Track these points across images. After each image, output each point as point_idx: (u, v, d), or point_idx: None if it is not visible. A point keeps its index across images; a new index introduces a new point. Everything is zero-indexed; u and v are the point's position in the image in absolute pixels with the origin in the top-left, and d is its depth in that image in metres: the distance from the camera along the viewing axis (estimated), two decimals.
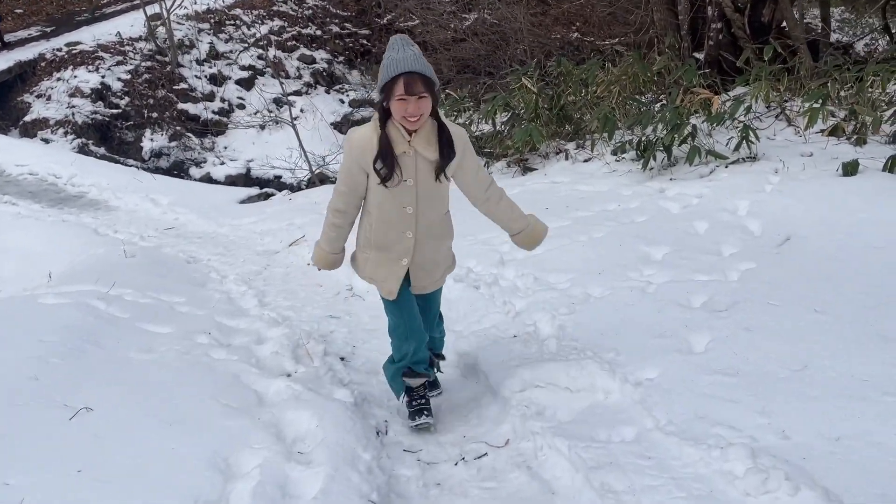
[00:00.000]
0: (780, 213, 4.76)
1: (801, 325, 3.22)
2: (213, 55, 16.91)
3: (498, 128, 7.16)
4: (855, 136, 5.78)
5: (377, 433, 2.96)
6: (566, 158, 6.64)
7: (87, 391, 2.99)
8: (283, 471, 2.41)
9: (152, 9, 16.48)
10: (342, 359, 3.82)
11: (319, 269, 3.15)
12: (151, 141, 14.91)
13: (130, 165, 13.66)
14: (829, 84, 5.75)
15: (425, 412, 3.00)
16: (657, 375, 2.94)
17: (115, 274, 5.19)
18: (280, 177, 13.47)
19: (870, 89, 6.02)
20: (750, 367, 2.91)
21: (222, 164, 14.75)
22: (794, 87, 6.67)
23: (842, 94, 6.13)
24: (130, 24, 16.78)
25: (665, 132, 5.86)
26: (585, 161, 6.53)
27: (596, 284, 4.01)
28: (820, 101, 5.61)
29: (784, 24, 7.02)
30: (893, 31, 8.32)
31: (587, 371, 3.03)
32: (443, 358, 3.36)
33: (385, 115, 2.71)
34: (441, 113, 2.83)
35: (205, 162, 14.95)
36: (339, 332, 4.29)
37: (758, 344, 3.09)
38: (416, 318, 2.97)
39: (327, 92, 17.46)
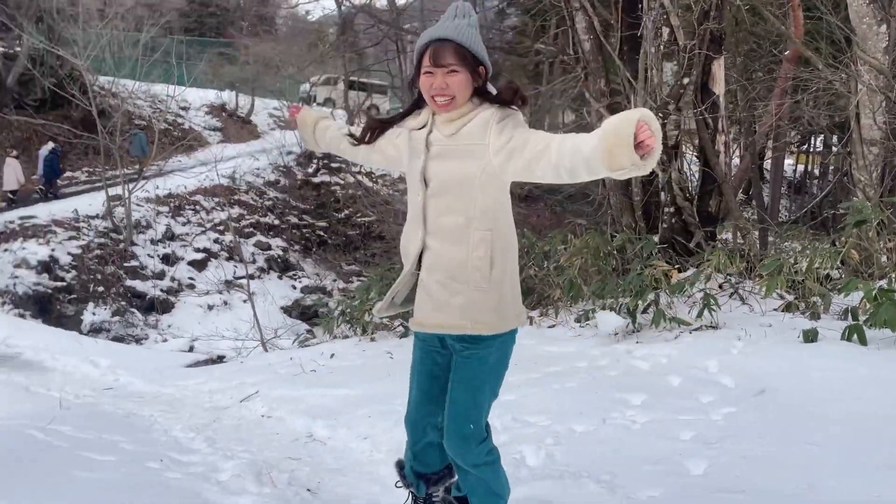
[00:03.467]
0: (751, 370, 4.77)
1: (797, 455, 3.12)
2: (169, 236, 17.11)
3: None
4: (809, 312, 6.00)
5: None
6: (531, 324, 6.68)
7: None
8: None
9: (115, 190, 16.85)
10: (309, 490, 3.47)
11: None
12: (93, 315, 14.55)
13: None
14: (781, 259, 6.07)
15: None
16: (660, 494, 2.75)
17: (51, 417, 4.78)
18: (223, 357, 13.07)
19: (817, 269, 6.36)
20: (754, 487, 2.76)
21: (164, 341, 14.34)
22: (746, 269, 7.01)
23: (792, 272, 6.46)
24: (89, 203, 17.04)
25: (629, 299, 6.00)
26: (550, 327, 6.58)
27: (578, 423, 3.86)
28: (775, 271, 5.89)
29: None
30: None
31: (586, 490, 2.82)
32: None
33: (416, 103, 2.28)
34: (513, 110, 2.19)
35: (146, 339, 14.54)
36: (301, 471, 3.93)
37: (757, 469, 2.96)
38: (418, 388, 2.36)
39: (280, 278, 17.62)
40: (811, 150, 23.27)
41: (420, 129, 2.25)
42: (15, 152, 17.70)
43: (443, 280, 2.18)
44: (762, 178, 20.58)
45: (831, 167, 19.89)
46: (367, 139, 2.42)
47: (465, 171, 2.16)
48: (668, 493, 2.75)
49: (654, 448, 3.32)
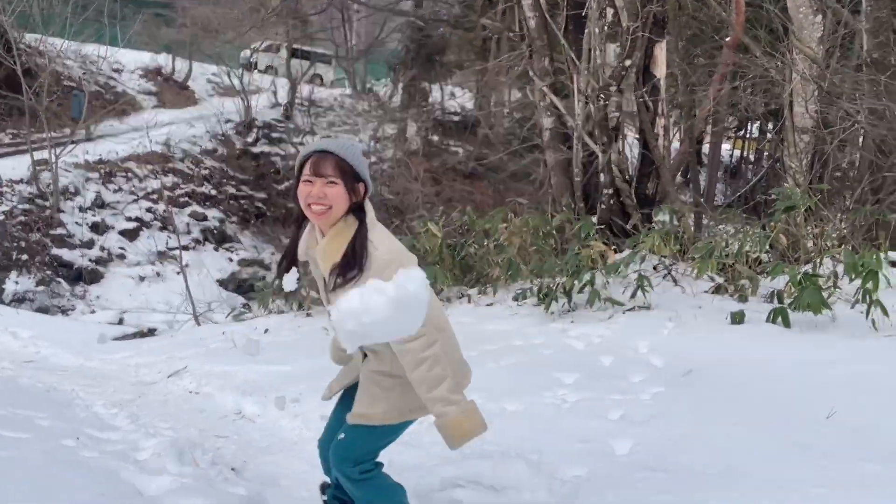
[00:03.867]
0: (680, 351, 4.86)
1: (719, 435, 3.19)
2: (99, 204, 16.47)
3: None
4: (737, 294, 6.15)
5: None
6: (469, 302, 6.68)
7: None
8: None
9: (41, 154, 16.10)
10: (233, 469, 3.39)
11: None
12: (16, 284, 13.93)
13: None
14: (713, 242, 6.21)
15: None
16: (585, 473, 2.78)
17: None
18: (155, 329, 12.71)
19: (747, 252, 6.53)
20: (677, 467, 2.81)
21: (93, 312, 13.85)
22: (679, 252, 7.15)
23: (723, 255, 6.61)
24: (13, 167, 16.24)
25: (565, 279, 6.04)
26: (488, 305, 6.58)
27: (509, 401, 3.87)
28: (707, 254, 6.01)
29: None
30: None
31: (513, 469, 2.82)
32: None
33: (301, 215, 2.26)
34: (378, 228, 2.21)
35: (73, 309, 14.02)
36: (227, 449, 3.85)
37: (682, 449, 3.02)
38: (331, 422, 2.60)
39: (216, 249, 17.19)
40: (747, 136, 23.90)
41: (312, 255, 2.29)
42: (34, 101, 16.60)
43: (375, 373, 2.35)
44: (700, 163, 21.06)
45: (765, 153, 20.48)
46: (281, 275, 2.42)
47: None
48: (592, 471, 2.78)
49: (583, 427, 3.35)
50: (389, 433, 2.42)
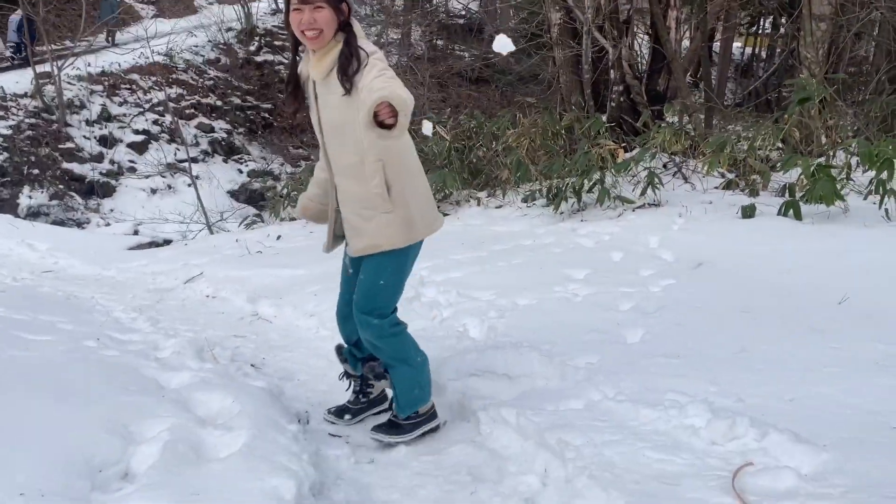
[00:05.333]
0: (690, 245, 4.87)
1: (730, 322, 3.23)
2: (105, 117, 16.31)
3: None
4: (748, 189, 6.10)
5: (298, 420, 2.65)
6: (478, 205, 6.66)
7: None
8: (196, 434, 2.09)
9: (42, 67, 15.85)
10: (252, 365, 3.48)
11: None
12: (30, 198, 14.00)
13: None
14: (724, 138, 6.11)
15: (338, 413, 2.77)
16: (598, 361, 2.83)
17: None
18: (171, 240, 12.82)
19: (759, 146, 6.44)
20: (689, 352, 2.86)
21: (107, 225, 13.96)
22: (690, 149, 7.06)
23: (735, 149, 6.52)
24: (16, 81, 16.02)
25: (575, 178, 6.00)
26: (497, 207, 6.57)
27: (521, 297, 3.91)
28: (718, 148, 5.93)
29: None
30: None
31: (525, 358, 2.88)
32: (381, 376, 2.72)
33: (295, 42, 2.44)
34: (365, 40, 2.39)
35: (88, 223, 14.12)
36: (245, 348, 3.94)
37: (692, 334, 3.06)
38: (345, 289, 2.69)
39: (225, 161, 17.10)
40: (760, 32, 23.09)
41: (306, 79, 2.45)
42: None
43: (356, 210, 2.46)
44: (710, 61, 20.44)
45: (777, 50, 19.84)
46: (296, 109, 2.56)
47: (344, 117, 2.33)
48: (605, 359, 2.83)
49: (594, 319, 3.39)
50: (400, 262, 2.49)
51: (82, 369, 2.77)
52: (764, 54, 23.51)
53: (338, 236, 2.63)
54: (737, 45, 23.21)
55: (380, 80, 2.09)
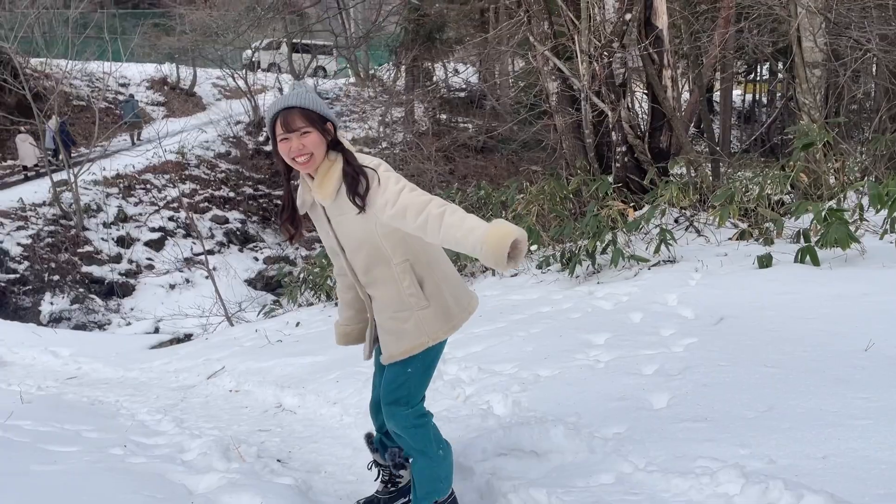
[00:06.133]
0: (709, 300, 4.83)
1: (756, 378, 3.17)
2: (122, 218, 16.69)
3: None
4: (762, 238, 6.09)
5: None
6: (493, 275, 6.68)
7: None
8: None
9: (59, 175, 16.33)
10: (279, 460, 3.45)
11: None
12: (51, 304, 14.22)
13: None
14: (732, 189, 6.14)
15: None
16: (625, 430, 2.78)
17: (10, 412, 4.66)
18: (191, 335, 12.90)
19: (769, 193, 6.45)
20: (717, 415, 2.80)
21: (128, 324, 14.10)
22: (699, 202, 7.08)
23: (744, 200, 6.54)
24: (34, 191, 16.50)
25: (587, 241, 6.02)
26: (513, 276, 6.59)
27: (543, 367, 3.88)
28: (727, 201, 5.95)
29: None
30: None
31: (552, 432, 2.84)
32: (401, 465, 2.73)
33: (287, 169, 2.39)
34: (355, 150, 2.39)
35: (109, 324, 14.27)
36: (271, 442, 3.91)
37: (719, 396, 3.01)
38: (376, 381, 2.72)
39: (241, 250, 17.35)
40: (758, 78, 23.46)
41: (311, 204, 2.44)
42: (25, 127, 17.07)
43: (392, 315, 2.46)
44: (711, 111, 20.72)
45: (777, 94, 20.09)
46: (293, 235, 2.54)
47: (366, 232, 2.35)
48: (632, 427, 2.78)
49: (618, 385, 3.35)
50: (428, 360, 2.49)
51: (109, 480, 2.76)
52: (765, 99, 23.84)
53: (376, 341, 2.62)
54: (737, 92, 23.56)
55: (435, 203, 2.14)
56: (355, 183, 2.26)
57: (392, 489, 2.77)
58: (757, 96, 24.46)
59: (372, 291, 2.50)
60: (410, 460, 2.54)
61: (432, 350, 2.47)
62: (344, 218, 2.34)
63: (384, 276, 2.42)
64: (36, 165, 17.45)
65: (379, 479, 2.81)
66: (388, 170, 2.30)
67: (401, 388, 2.46)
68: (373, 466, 2.84)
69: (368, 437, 2.85)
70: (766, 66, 20.86)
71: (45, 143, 17.38)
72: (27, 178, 17.34)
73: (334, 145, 2.34)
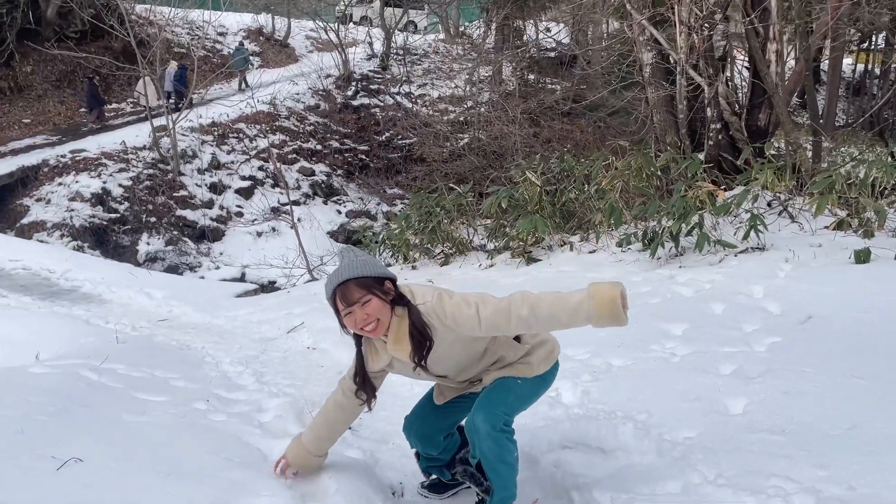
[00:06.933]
0: (798, 295, 4.64)
1: (842, 390, 3.04)
2: (215, 165, 17.28)
3: (501, 221, 7.18)
4: (862, 230, 5.77)
5: (392, 493, 2.69)
6: (571, 250, 6.60)
7: (75, 446, 2.72)
8: None
9: (159, 120, 16.98)
10: (350, 428, 3.56)
11: None
12: (147, 245, 14.93)
13: None
14: (833, 176, 5.82)
15: (431, 487, 2.80)
16: (696, 435, 2.73)
17: (106, 355, 4.97)
18: (275, 282, 13.35)
19: (874, 181, 6.08)
20: (796, 427, 2.71)
21: (217, 268, 14.69)
22: (796, 186, 6.75)
23: (845, 187, 6.20)
24: (136, 135, 17.22)
25: (672, 222, 5.85)
26: (591, 252, 6.49)
27: (616, 356, 3.83)
28: (827, 189, 5.65)
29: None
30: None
31: (619, 431, 2.81)
32: (479, 482, 2.67)
33: (358, 337, 2.43)
34: (417, 292, 2.36)
35: (200, 266, 14.91)
36: None
37: (800, 406, 2.90)
38: (424, 403, 2.79)
39: (325, 203, 17.73)
40: (872, 47, 21.90)
41: (388, 361, 2.42)
42: (147, 70, 17.81)
43: (496, 375, 2.51)
44: (817, 80, 19.56)
45: (893, 67, 18.76)
46: (369, 399, 2.54)
47: (453, 347, 2.36)
48: (704, 433, 2.73)
49: (693, 384, 3.28)
50: (535, 383, 2.53)
51: (191, 439, 2.92)
52: (878, 70, 22.28)
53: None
54: (847, 61, 22.12)
55: (514, 307, 2.21)
56: (421, 346, 2.28)
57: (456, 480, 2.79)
58: (870, 66, 22.88)
59: (472, 388, 2.58)
60: (485, 469, 2.48)
61: (551, 375, 2.58)
62: (437, 354, 2.33)
63: (484, 366, 2.50)
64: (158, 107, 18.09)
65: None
66: (441, 297, 2.29)
67: (507, 400, 2.44)
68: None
69: (418, 455, 2.82)
70: (883, 35, 19.45)
71: (164, 87, 18.08)
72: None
73: (399, 300, 2.32)
